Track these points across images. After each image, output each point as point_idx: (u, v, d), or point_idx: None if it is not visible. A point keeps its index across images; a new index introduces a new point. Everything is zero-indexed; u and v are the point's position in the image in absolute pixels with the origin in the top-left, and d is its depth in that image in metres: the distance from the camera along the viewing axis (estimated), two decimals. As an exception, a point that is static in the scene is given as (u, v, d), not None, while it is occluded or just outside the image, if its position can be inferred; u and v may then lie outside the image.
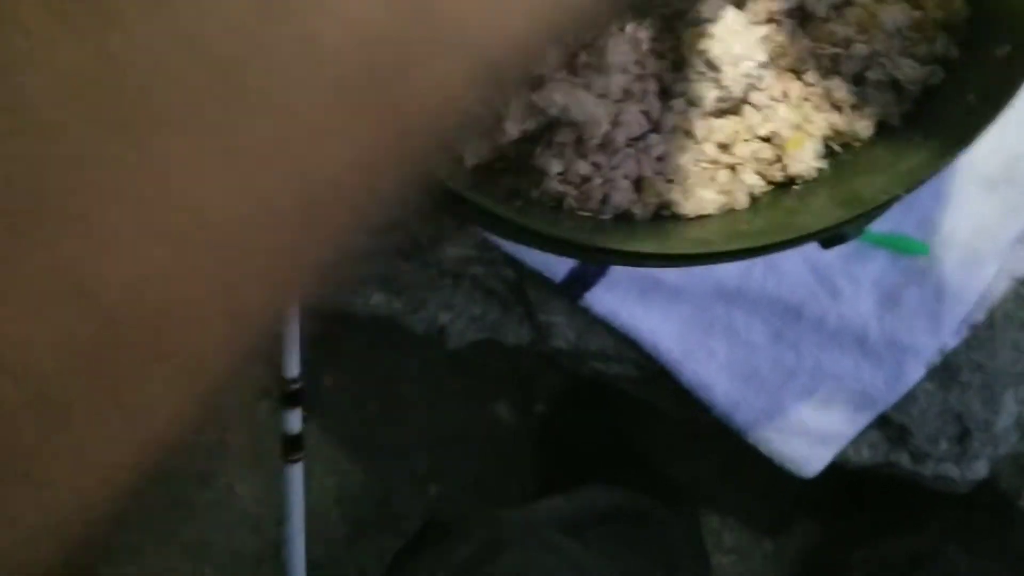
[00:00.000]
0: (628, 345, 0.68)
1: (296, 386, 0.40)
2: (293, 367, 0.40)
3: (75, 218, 0.15)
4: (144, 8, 0.15)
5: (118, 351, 0.16)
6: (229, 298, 0.17)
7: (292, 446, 0.40)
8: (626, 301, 0.66)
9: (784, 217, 0.42)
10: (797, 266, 0.64)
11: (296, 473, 0.39)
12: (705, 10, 0.42)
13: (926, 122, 0.42)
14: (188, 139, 0.15)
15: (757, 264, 0.64)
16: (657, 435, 0.99)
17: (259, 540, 1.02)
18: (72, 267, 0.15)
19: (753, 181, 0.43)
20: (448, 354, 0.71)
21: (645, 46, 0.43)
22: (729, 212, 0.43)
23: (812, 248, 0.43)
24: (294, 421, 0.40)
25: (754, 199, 0.44)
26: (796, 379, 0.66)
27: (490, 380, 1.01)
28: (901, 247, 0.64)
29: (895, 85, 0.43)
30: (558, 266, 0.65)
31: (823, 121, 0.43)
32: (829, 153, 0.44)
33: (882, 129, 0.44)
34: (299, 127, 0.16)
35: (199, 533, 1.05)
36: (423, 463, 1.03)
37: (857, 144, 0.44)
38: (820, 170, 0.43)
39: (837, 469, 0.69)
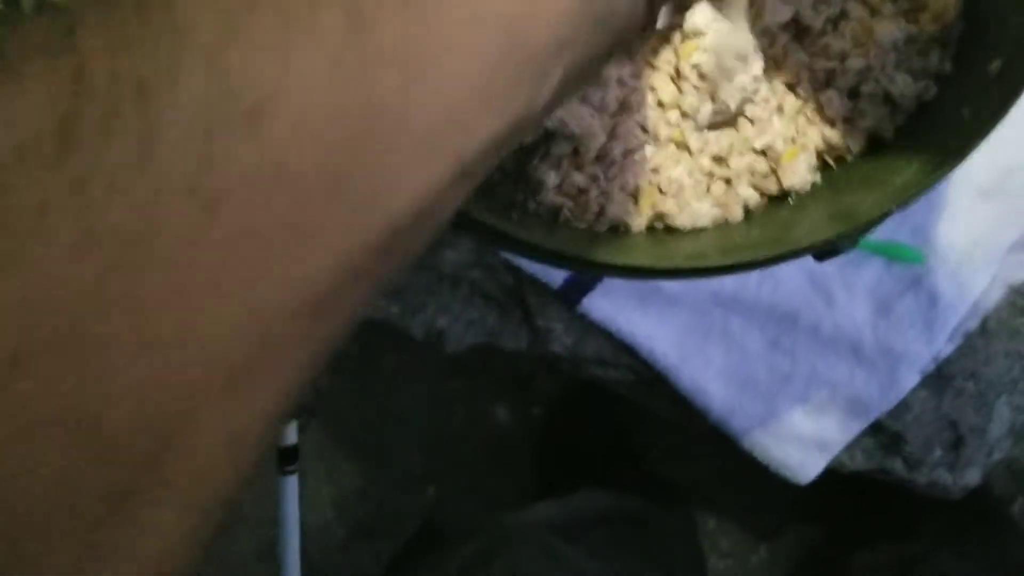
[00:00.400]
0: (625, 351, 0.68)
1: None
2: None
3: (72, 338, 0.15)
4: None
5: (119, 477, 0.16)
6: (226, 415, 0.17)
7: (287, 457, 0.40)
8: (623, 307, 0.66)
9: (778, 231, 0.42)
10: (793, 273, 0.65)
11: (291, 484, 0.40)
12: (700, 23, 0.42)
13: (919, 137, 0.42)
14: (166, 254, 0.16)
15: (754, 271, 0.65)
16: (655, 438, 1.00)
17: (258, 540, 1.02)
18: (72, 394, 0.15)
19: (748, 194, 0.44)
20: (447, 356, 0.72)
21: (641, 58, 0.43)
22: (724, 225, 0.43)
23: (807, 257, 0.43)
24: (289, 433, 0.40)
25: (749, 212, 0.44)
26: (791, 385, 0.67)
27: (489, 382, 1.02)
28: (896, 255, 0.64)
29: (889, 99, 0.43)
30: (556, 272, 0.65)
31: (817, 134, 0.43)
32: (823, 167, 0.44)
33: (875, 143, 0.44)
34: (264, 235, 0.16)
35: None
36: (421, 466, 1.03)
37: (850, 158, 0.44)
38: (814, 184, 0.44)
39: (833, 474, 0.70)
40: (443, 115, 0.18)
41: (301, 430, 0.41)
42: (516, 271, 0.67)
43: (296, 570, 0.44)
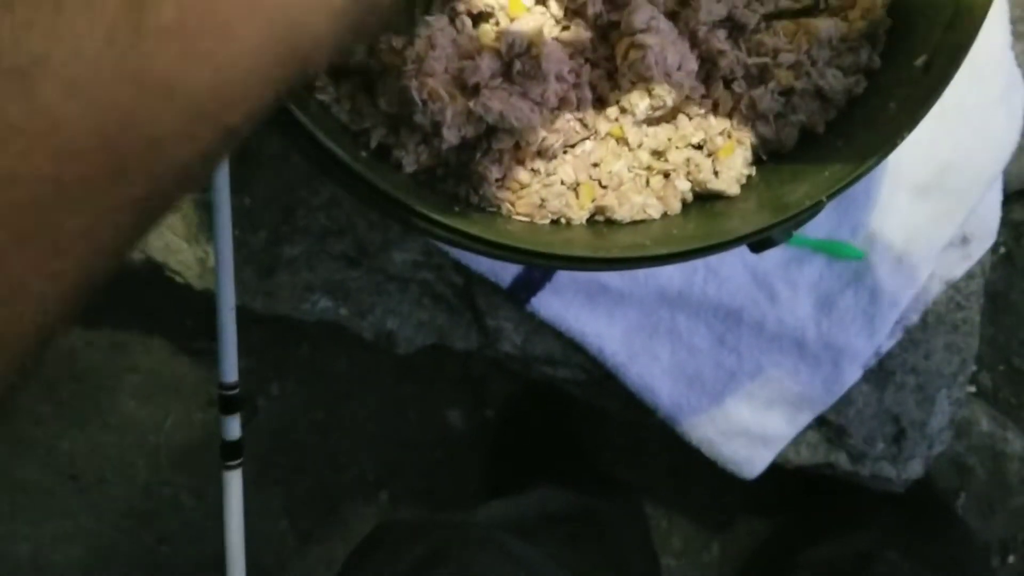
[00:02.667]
0: (574, 349, 0.69)
1: (233, 392, 0.40)
2: (230, 373, 0.40)
3: None
4: None
5: None
6: None
7: (230, 452, 0.40)
8: (572, 305, 0.67)
9: (714, 222, 0.43)
10: (737, 271, 0.66)
11: (235, 479, 0.40)
12: (637, 21, 0.43)
13: (849, 130, 0.44)
14: None
15: (699, 269, 0.66)
16: (607, 438, 1.00)
17: (206, 548, 1.01)
18: None
19: (685, 187, 0.45)
20: (398, 359, 0.72)
21: (580, 55, 0.44)
22: (662, 217, 0.44)
23: (750, 253, 0.44)
24: (232, 428, 0.40)
25: (686, 204, 0.45)
26: (737, 382, 0.68)
27: (441, 386, 1.02)
28: (837, 252, 0.65)
29: (820, 94, 0.45)
30: (505, 271, 0.66)
31: (751, 129, 0.44)
32: (757, 160, 0.45)
33: (808, 137, 0.45)
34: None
35: (144, 542, 1.04)
36: (373, 469, 1.02)
37: (784, 152, 0.45)
38: (749, 177, 0.45)
39: (781, 469, 0.71)
40: (212, 89, 0.20)
41: (245, 427, 0.41)
42: (465, 271, 0.67)
43: (242, 569, 0.44)
